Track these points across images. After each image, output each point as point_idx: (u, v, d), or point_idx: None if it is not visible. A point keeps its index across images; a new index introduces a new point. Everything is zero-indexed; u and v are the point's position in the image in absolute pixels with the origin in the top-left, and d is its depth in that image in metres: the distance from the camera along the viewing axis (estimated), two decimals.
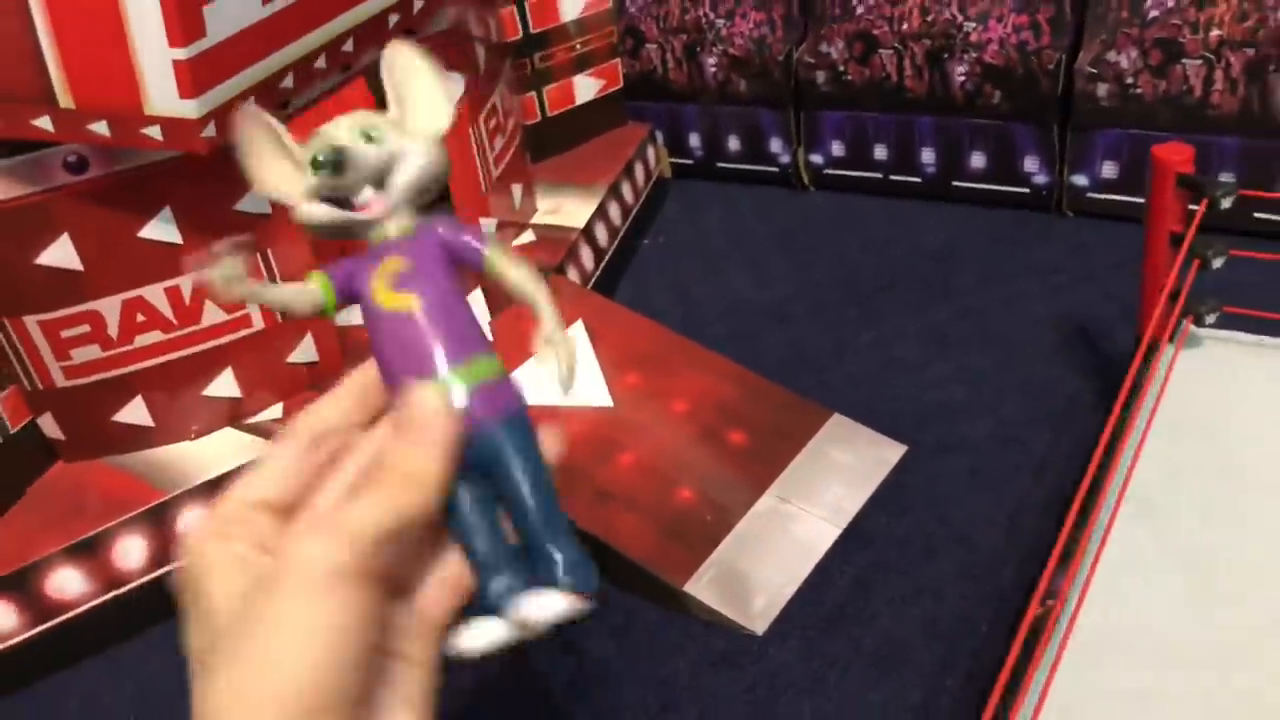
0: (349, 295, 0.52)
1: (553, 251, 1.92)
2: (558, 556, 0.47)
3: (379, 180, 0.50)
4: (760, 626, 1.34)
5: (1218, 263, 1.25)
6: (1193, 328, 1.37)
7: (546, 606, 0.46)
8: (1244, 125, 1.78)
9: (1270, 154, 1.77)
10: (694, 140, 2.38)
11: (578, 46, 2.21)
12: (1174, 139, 1.49)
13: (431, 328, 0.48)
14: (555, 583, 0.46)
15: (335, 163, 0.48)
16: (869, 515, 1.47)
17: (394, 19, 1.50)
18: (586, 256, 1.98)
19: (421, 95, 0.52)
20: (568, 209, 2.04)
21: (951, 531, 1.42)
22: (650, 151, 2.33)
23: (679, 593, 1.38)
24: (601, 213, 2.06)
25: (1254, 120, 1.77)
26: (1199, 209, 1.25)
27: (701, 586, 1.39)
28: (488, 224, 1.87)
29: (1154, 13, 1.82)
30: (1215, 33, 1.77)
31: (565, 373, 0.49)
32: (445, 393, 0.46)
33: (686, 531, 1.45)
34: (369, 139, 0.50)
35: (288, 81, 1.37)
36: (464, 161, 1.82)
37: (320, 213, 0.51)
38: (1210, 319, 1.34)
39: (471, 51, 1.80)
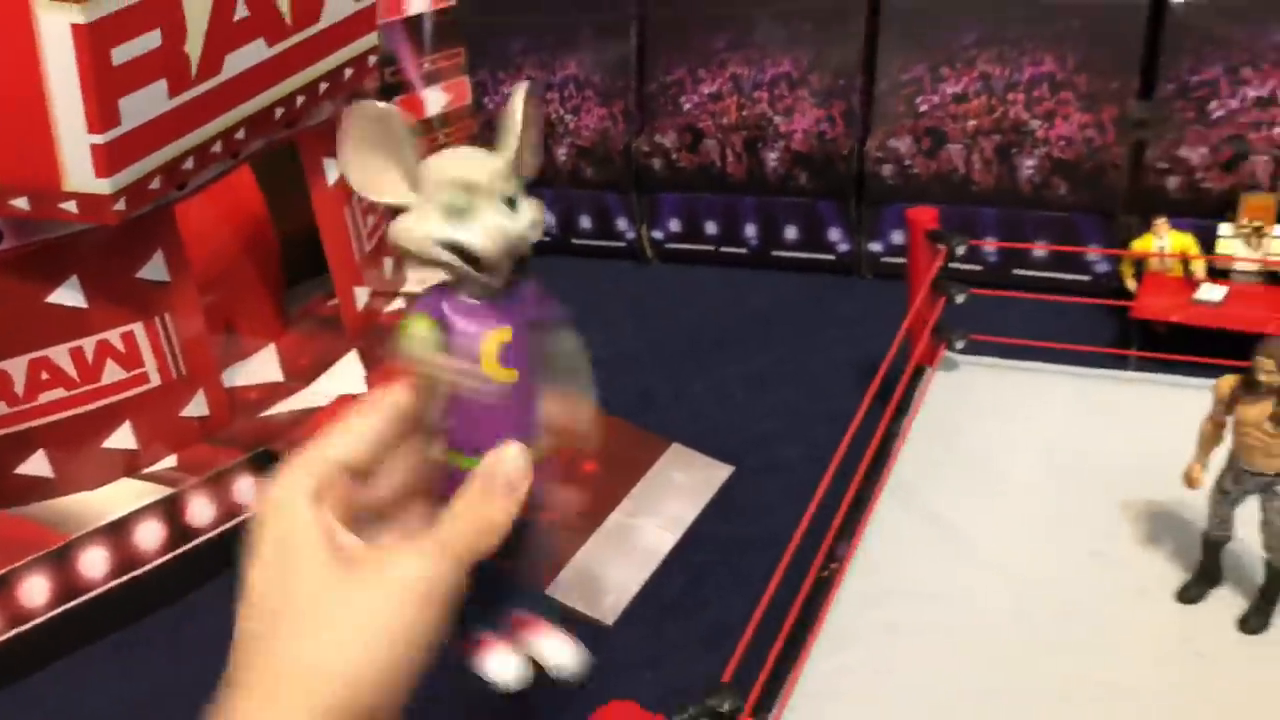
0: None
1: None
2: (526, 603, 0.54)
3: None
4: (610, 618, 1.57)
5: (960, 298, 1.58)
6: (948, 353, 1.70)
7: (502, 669, 0.51)
8: (998, 198, 2.16)
9: (1019, 220, 2.15)
10: (550, 220, 2.66)
11: (441, 137, 2.48)
12: (946, 210, 1.85)
13: (524, 405, 0.51)
14: (542, 614, 0.53)
15: (517, 255, 0.49)
16: (701, 524, 1.73)
17: (280, 111, 1.74)
18: None
19: (531, 141, 0.52)
20: (434, 278, 2.27)
21: (768, 534, 1.69)
22: None
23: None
24: None
25: (1005, 193, 2.15)
26: (942, 255, 1.58)
27: (559, 589, 1.61)
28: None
29: (923, 107, 2.20)
30: (971, 122, 2.16)
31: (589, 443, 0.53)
32: (528, 458, 0.49)
33: (549, 544, 1.68)
34: (511, 204, 0.50)
35: (188, 164, 1.59)
36: (341, 235, 2.05)
37: (442, 255, 0.50)
38: (960, 345, 1.67)
39: None
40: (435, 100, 2.42)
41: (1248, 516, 1.17)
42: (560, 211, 2.64)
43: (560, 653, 0.52)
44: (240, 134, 1.68)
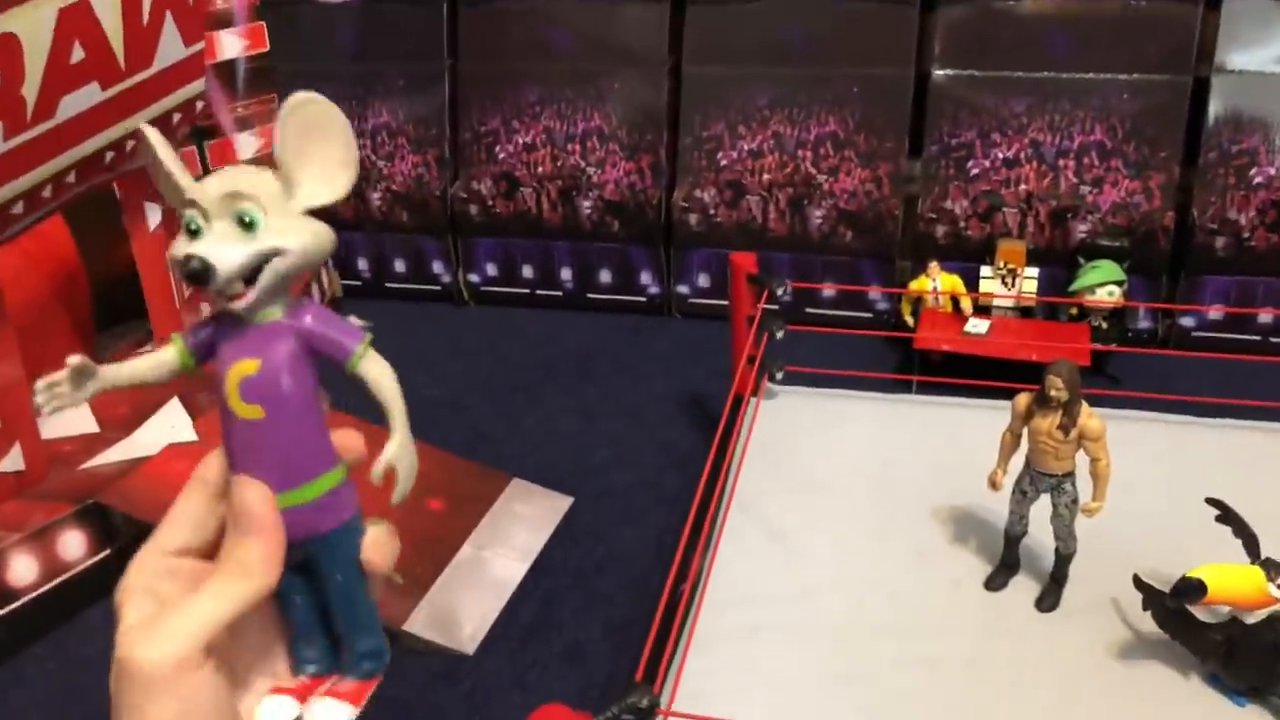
0: (210, 353, 0.50)
1: None
2: (356, 648, 0.51)
3: (249, 276, 0.46)
4: (470, 648, 1.63)
5: (780, 334, 1.77)
6: (769, 384, 1.88)
7: (326, 715, 0.49)
8: (791, 244, 2.39)
9: (810, 264, 2.39)
10: (362, 264, 2.68)
11: None
12: (746, 254, 2.04)
13: (279, 442, 0.48)
14: (353, 669, 0.51)
15: (197, 274, 0.45)
16: (549, 552, 1.82)
17: (109, 155, 1.71)
18: None
19: (320, 159, 0.48)
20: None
21: (613, 556, 1.80)
22: (323, 275, 2.59)
23: (398, 632, 1.64)
24: None
25: (798, 240, 2.39)
26: (764, 297, 1.76)
27: (417, 624, 1.65)
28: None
29: (724, 161, 2.40)
30: (766, 176, 2.38)
31: (403, 487, 0.50)
32: (267, 493, 0.47)
33: (401, 583, 1.71)
34: (243, 223, 0.46)
35: (18, 208, 1.54)
36: (161, 280, 2.00)
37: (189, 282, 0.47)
38: (779, 375, 1.86)
39: None
40: (248, 145, 2.40)
41: (1037, 514, 1.40)
42: (373, 255, 2.67)
43: (332, 714, 0.50)
44: (70, 177, 1.64)
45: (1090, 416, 1.29)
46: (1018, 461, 1.39)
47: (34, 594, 1.67)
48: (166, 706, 0.43)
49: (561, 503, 1.93)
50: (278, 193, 0.46)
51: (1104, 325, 2.11)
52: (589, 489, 1.96)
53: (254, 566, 0.46)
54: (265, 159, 2.45)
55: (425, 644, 1.63)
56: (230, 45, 2.34)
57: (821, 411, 1.85)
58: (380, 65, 2.58)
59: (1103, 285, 2.08)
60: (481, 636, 1.65)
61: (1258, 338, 2.21)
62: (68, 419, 1.97)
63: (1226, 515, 1.24)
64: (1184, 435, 1.78)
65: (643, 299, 2.56)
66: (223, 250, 0.45)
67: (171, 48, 1.78)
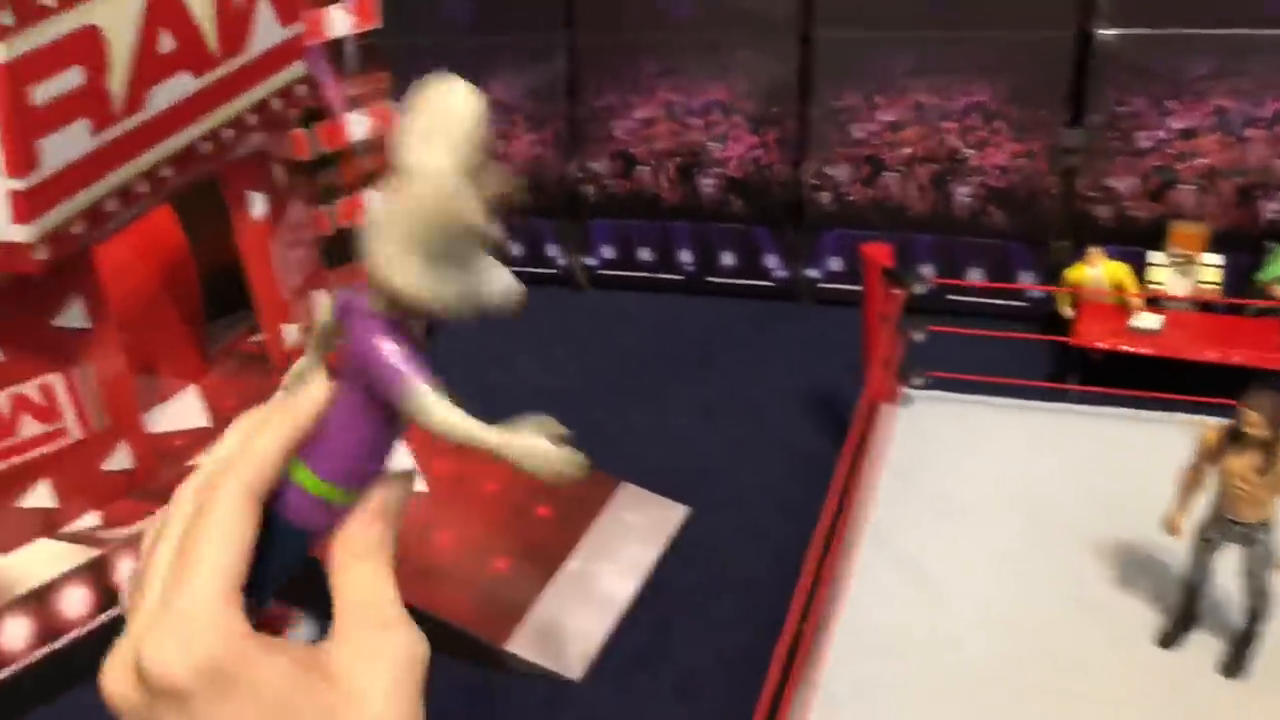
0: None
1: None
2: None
3: None
4: (576, 673, 1.52)
5: (919, 337, 1.58)
6: (906, 389, 1.70)
7: None
8: (934, 225, 2.18)
9: (955, 247, 2.18)
10: None
11: (364, 164, 2.38)
12: (882, 237, 1.85)
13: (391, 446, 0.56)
14: None
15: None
16: (661, 568, 1.69)
17: (206, 146, 1.64)
18: None
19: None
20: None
21: (730, 576, 1.67)
22: None
23: (501, 651, 1.55)
24: None
25: (941, 220, 2.17)
26: (901, 295, 1.58)
27: (520, 644, 1.56)
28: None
29: (859, 134, 2.20)
30: (907, 150, 2.17)
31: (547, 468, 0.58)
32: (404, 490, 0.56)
33: (503, 597, 1.62)
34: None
35: (112, 205, 1.48)
36: (266, 270, 1.95)
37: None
38: (919, 382, 1.67)
39: (270, 172, 1.95)
40: (359, 126, 2.33)
41: (1224, 563, 1.19)
42: None
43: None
44: (166, 171, 1.57)
45: None
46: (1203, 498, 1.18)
47: None
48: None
49: (675, 513, 1.80)
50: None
51: None
52: (705, 497, 1.83)
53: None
54: (378, 140, 2.37)
55: (529, 665, 1.54)
56: (339, 22, 2.26)
57: (965, 423, 1.66)
58: (495, 39, 2.47)
59: None
60: (589, 660, 1.54)
61: None
62: (178, 412, 1.94)
63: None
64: None
65: (769, 283, 2.39)
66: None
67: (268, 31, 1.70)
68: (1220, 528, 1.14)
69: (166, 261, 1.97)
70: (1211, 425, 1.14)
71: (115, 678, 0.44)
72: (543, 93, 2.41)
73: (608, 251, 2.43)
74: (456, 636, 1.56)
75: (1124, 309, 1.91)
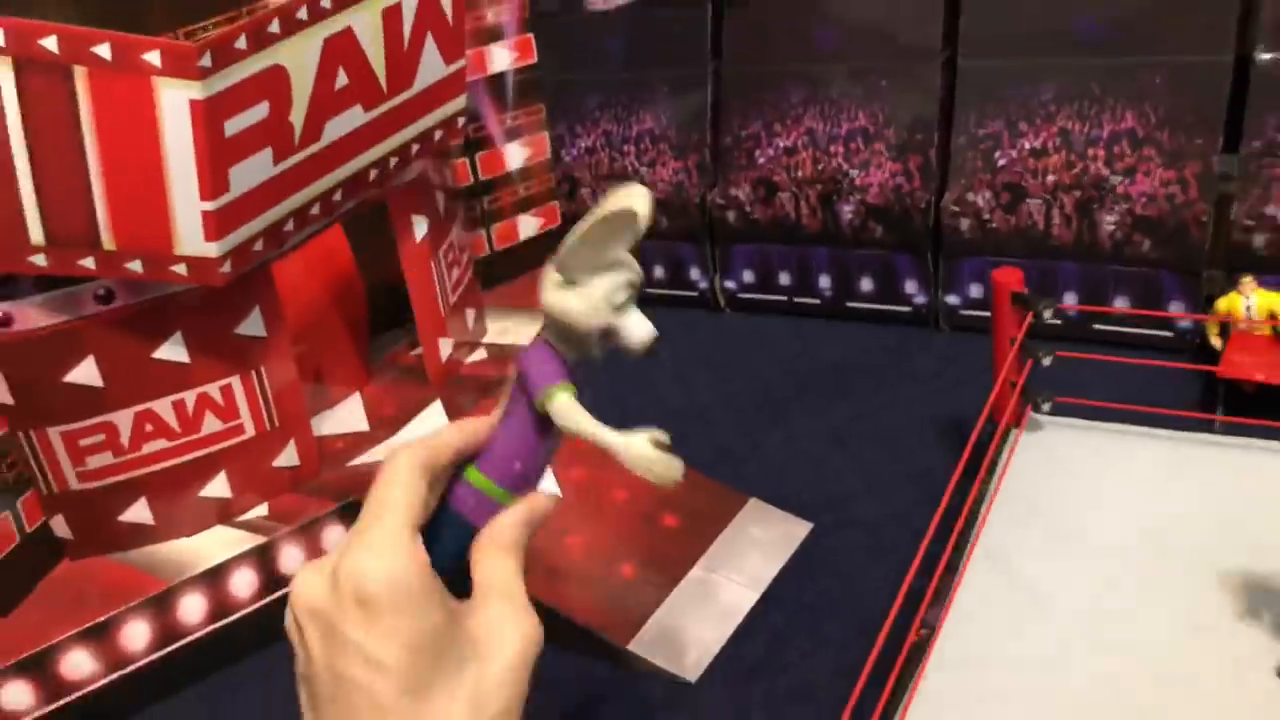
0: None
1: (502, 366, 2.19)
2: None
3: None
4: (693, 675, 1.58)
5: (1047, 361, 1.58)
6: (1034, 414, 1.69)
7: None
8: (1078, 253, 2.15)
9: (1100, 275, 2.14)
10: None
11: (520, 191, 2.53)
12: (1025, 265, 1.85)
13: (545, 457, 0.68)
14: None
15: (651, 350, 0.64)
16: (782, 582, 1.73)
17: (374, 173, 1.80)
18: None
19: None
20: (515, 329, 2.32)
21: (851, 593, 1.69)
22: None
23: (623, 651, 1.62)
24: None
25: (1085, 249, 2.14)
26: (1028, 319, 1.58)
27: (642, 645, 1.63)
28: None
29: (1001, 162, 2.20)
30: (1050, 178, 2.16)
31: (659, 474, 0.69)
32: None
33: (628, 600, 1.70)
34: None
35: (289, 226, 1.65)
36: (426, 290, 2.10)
37: (593, 339, 0.66)
38: (1046, 407, 1.66)
39: (432, 197, 2.10)
40: (516, 155, 2.48)
41: None
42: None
43: None
44: (337, 196, 1.74)
45: None
46: None
47: None
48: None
49: (799, 529, 1.84)
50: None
51: None
52: (830, 516, 1.86)
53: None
54: (533, 168, 2.52)
55: (649, 666, 1.60)
56: (500, 59, 2.43)
57: (1094, 449, 1.64)
58: (645, 72, 2.58)
59: None
60: (705, 665, 1.60)
61: None
62: (341, 417, 2.11)
63: None
64: None
65: (907, 309, 2.40)
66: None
67: (432, 67, 1.85)
68: None
69: (336, 279, 2.16)
70: None
71: (310, 582, 0.57)
72: (688, 123, 2.50)
73: (747, 275, 2.50)
74: (582, 634, 1.64)
75: (1278, 340, 1.84)
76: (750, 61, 2.47)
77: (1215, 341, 1.92)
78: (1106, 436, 1.66)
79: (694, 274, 2.61)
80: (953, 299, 2.33)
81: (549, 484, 2.00)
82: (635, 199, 0.63)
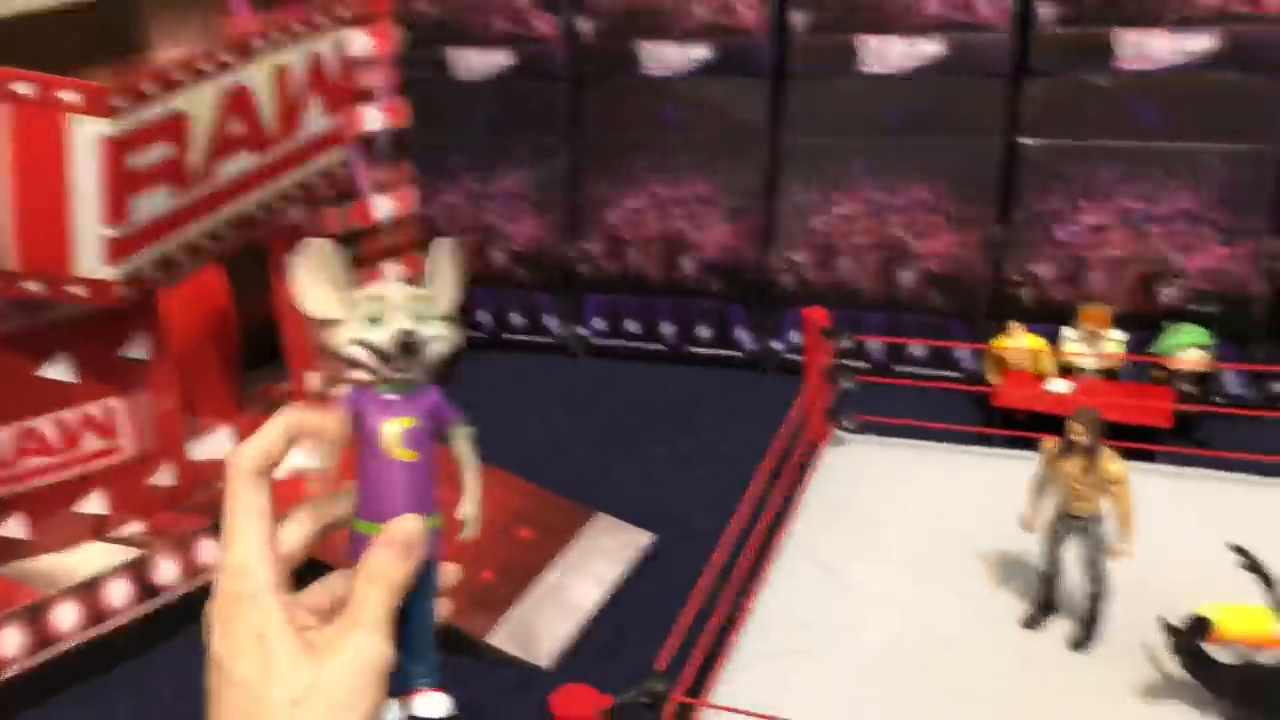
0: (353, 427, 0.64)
1: None
2: (432, 662, 0.66)
3: (415, 353, 0.63)
4: (546, 662, 1.77)
5: (848, 384, 1.87)
6: (839, 432, 1.98)
7: (433, 708, 0.63)
8: (882, 304, 2.48)
9: (900, 323, 2.48)
10: (483, 317, 2.91)
11: (385, 240, 2.72)
12: (839, 314, 2.15)
13: (423, 481, 0.63)
14: (429, 679, 0.65)
15: (409, 346, 0.62)
16: (626, 582, 1.95)
17: (259, 215, 1.97)
18: None
19: (448, 281, 0.65)
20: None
21: (685, 588, 1.92)
22: None
23: (482, 644, 1.80)
24: None
25: (888, 300, 2.48)
26: (831, 349, 1.88)
27: (499, 638, 1.81)
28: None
29: (819, 225, 2.53)
30: (859, 239, 2.49)
31: (473, 530, 0.67)
32: (422, 526, 0.63)
33: (487, 600, 1.88)
34: (419, 319, 0.62)
35: (181, 258, 1.81)
36: (300, 325, 2.26)
37: (362, 355, 0.63)
38: (850, 425, 1.95)
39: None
40: (383, 207, 2.68)
41: (1074, 555, 1.46)
42: (495, 309, 2.89)
43: (434, 705, 0.65)
44: (225, 233, 1.90)
45: (1111, 460, 1.35)
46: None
47: (175, 593, 1.91)
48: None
49: (643, 538, 2.06)
50: (430, 299, 0.65)
51: (1193, 389, 2.12)
52: (670, 528, 2.09)
53: (401, 590, 0.61)
54: (399, 220, 2.71)
55: (506, 656, 1.78)
56: (373, 119, 2.63)
57: (890, 460, 1.93)
58: (508, 137, 2.83)
59: (1186, 348, 2.09)
60: (557, 653, 1.79)
61: None
62: (213, 445, 2.23)
63: (1249, 561, 1.27)
64: (1253, 494, 1.78)
65: (739, 354, 2.69)
66: (423, 330, 0.63)
67: (315, 122, 2.04)
68: (1062, 523, 1.41)
69: (212, 314, 2.29)
70: (1050, 440, 1.41)
71: (206, 621, 0.57)
72: (547, 183, 2.75)
73: (599, 323, 2.75)
74: (445, 632, 1.81)
75: (1040, 375, 2.19)
76: (605, 132, 2.74)
77: (993, 378, 2.27)
78: (901, 450, 1.96)
79: (551, 322, 2.84)
80: (777, 344, 2.63)
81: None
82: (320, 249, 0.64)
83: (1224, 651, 1.31)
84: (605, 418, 2.54)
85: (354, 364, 0.64)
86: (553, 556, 2.00)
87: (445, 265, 0.66)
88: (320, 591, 0.66)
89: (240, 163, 1.87)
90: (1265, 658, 1.23)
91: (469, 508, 0.67)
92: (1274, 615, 1.20)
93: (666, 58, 2.61)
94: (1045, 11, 2.28)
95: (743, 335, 2.67)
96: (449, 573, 0.68)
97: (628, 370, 2.76)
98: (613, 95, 2.71)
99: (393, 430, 0.63)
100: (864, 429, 2.03)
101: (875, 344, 2.49)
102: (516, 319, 2.87)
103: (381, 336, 0.62)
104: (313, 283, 0.64)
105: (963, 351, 2.43)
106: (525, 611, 1.87)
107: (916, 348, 2.46)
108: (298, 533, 0.66)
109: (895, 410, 2.12)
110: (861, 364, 2.52)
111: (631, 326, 2.77)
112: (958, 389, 2.29)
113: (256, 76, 1.83)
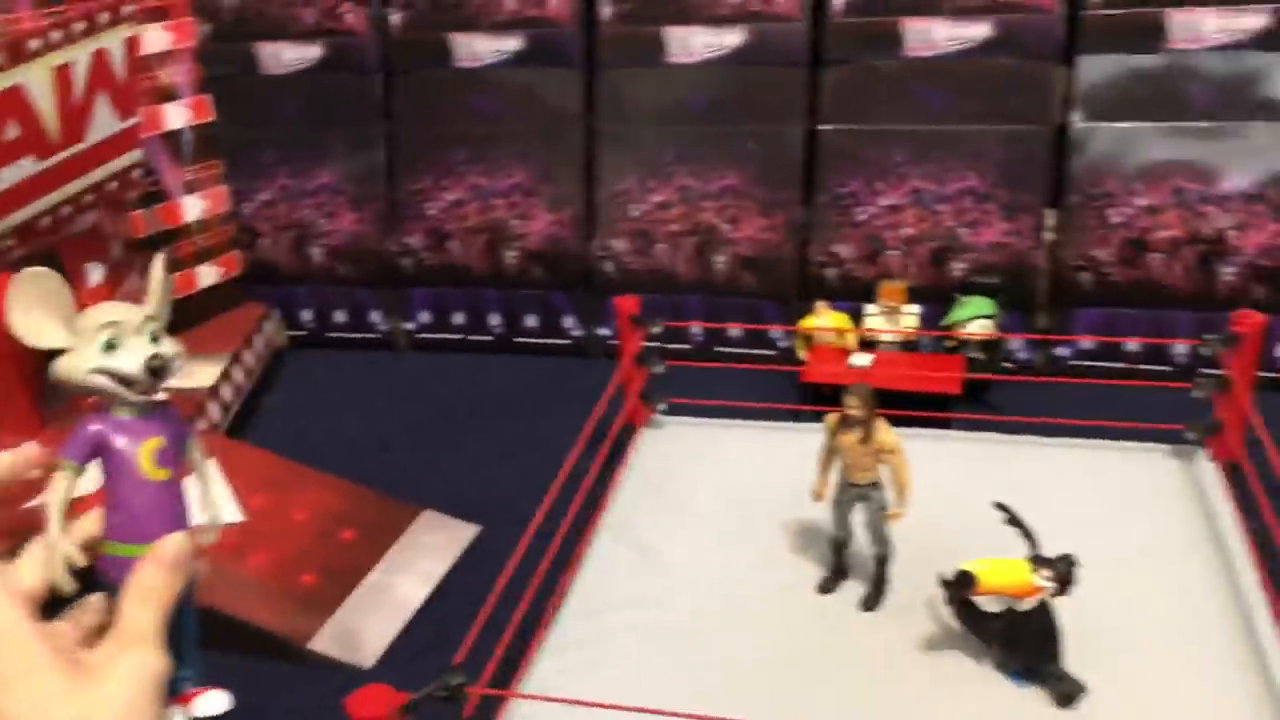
0: (95, 454, 0.66)
1: (184, 408, 2.30)
2: (196, 665, 0.70)
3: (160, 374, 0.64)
4: (368, 663, 1.78)
5: (659, 368, 1.93)
6: (655, 415, 2.04)
7: (214, 705, 0.68)
8: (699, 288, 2.56)
9: (717, 306, 2.56)
10: (306, 315, 2.86)
11: (199, 242, 2.65)
12: (659, 299, 2.20)
13: (179, 498, 0.66)
14: (196, 679, 0.70)
15: (158, 370, 0.63)
16: (451, 577, 1.97)
17: (46, 221, 1.89)
18: (215, 411, 2.37)
19: (164, 298, 0.69)
20: (196, 374, 2.43)
21: (509, 576, 1.95)
22: (268, 326, 2.77)
23: (305, 650, 1.79)
24: (226, 376, 2.47)
25: (704, 284, 2.56)
26: (642, 335, 1.93)
27: (321, 643, 1.80)
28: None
29: (635, 213, 2.58)
30: (674, 226, 2.56)
31: (213, 536, 0.70)
32: (187, 543, 0.66)
33: (309, 605, 1.87)
34: (153, 339, 0.65)
35: None
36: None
37: (106, 384, 0.63)
38: (662, 408, 2.02)
39: (106, 247, 2.20)
40: (193, 207, 2.60)
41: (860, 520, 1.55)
42: (317, 307, 2.85)
43: (214, 702, 0.68)
44: (10, 243, 1.82)
45: (885, 431, 1.45)
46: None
47: None
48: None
49: (468, 531, 2.08)
50: (156, 317, 0.67)
51: (981, 356, 2.27)
52: (497, 518, 2.11)
53: (169, 605, 0.63)
54: (211, 220, 2.64)
55: (328, 660, 1.78)
56: (176, 116, 2.55)
57: (702, 440, 2.00)
58: (322, 132, 2.78)
59: (973, 319, 2.24)
60: (380, 653, 1.80)
61: (1127, 365, 2.36)
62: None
63: (1010, 516, 1.39)
64: (1037, 454, 1.93)
65: (566, 341, 2.72)
66: (164, 350, 0.64)
67: (105, 123, 1.97)
68: (846, 492, 1.50)
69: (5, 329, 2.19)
70: (832, 414, 1.50)
71: None
72: (365, 177, 2.72)
73: (425, 317, 2.74)
74: (268, 639, 1.79)
75: (845, 351, 2.30)
76: (421, 124, 2.73)
77: (802, 355, 2.37)
78: (713, 430, 2.04)
79: (375, 317, 2.82)
80: (603, 331, 2.68)
81: (231, 511, 2.12)
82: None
83: (994, 601, 1.42)
84: (431, 412, 2.54)
85: (93, 392, 0.64)
86: (378, 556, 1.99)
87: (161, 281, 0.69)
88: (81, 614, 0.67)
89: (21, 168, 1.79)
90: (1025, 605, 1.34)
91: (216, 508, 0.71)
92: (1030, 567, 1.32)
93: (477, 49, 2.61)
94: (837, 2, 2.39)
95: (569, 323, 2.71)
96: (205, 534, 0.71)
97: (455, 363, 2.77)
98: (426, 87, 2.69)
99: (145, 452, 0.65)
100: (679, 411, 2.09)
101: (696, 327, 2.57)
102: (339, 316, 2.83)
103: (127, 362, 0.63)
104: (33, 313, 0.64)
105: (779, 331, 2.53)
106: (349, 614, 1.86)
107: (735, 330, 2.54)
108: (31, 568, 0.66)
109: (716, 391, 2.19)
110: (685, 346, 2.60)
111: (458, 319, 2.77)
112: (771, 368, 2.37)
113: (33, 76, 1.75)
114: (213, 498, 0.71)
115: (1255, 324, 1.76)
